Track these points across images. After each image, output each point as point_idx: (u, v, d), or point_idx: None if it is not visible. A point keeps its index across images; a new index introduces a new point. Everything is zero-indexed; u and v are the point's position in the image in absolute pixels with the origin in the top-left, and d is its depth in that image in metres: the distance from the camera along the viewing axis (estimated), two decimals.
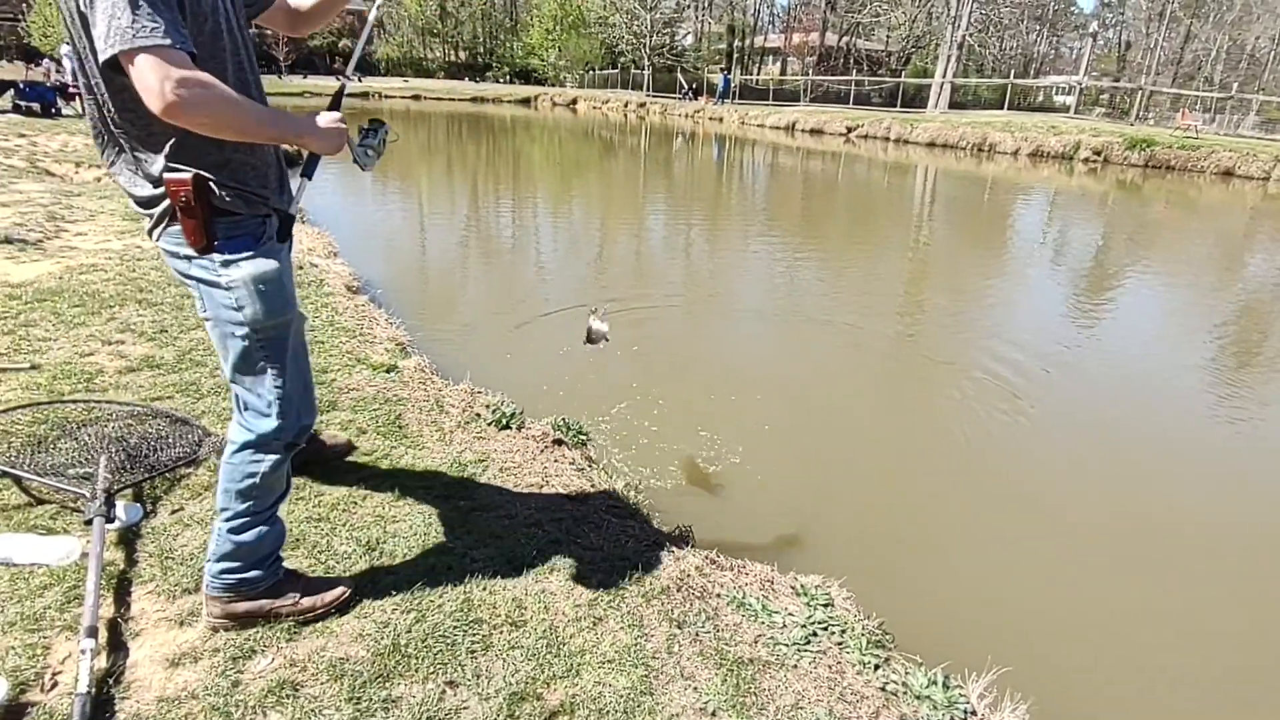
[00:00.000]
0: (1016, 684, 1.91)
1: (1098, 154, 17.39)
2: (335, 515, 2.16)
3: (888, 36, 44.85)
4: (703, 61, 45.04)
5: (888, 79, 35.66)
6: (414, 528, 2.13)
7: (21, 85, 13.07)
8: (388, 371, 3.26)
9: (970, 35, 29.94)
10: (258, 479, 1.65)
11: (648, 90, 38.90)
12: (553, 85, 44.46)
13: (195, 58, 1.33)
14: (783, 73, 45.67)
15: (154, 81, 1.27)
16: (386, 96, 35.55)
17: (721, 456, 3.26)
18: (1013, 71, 33.21)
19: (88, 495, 2.01)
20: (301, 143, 1.54)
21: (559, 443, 2.94)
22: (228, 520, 1.66)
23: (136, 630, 1.70)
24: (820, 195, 13.30)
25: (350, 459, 2.49)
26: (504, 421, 2.92)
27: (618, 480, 2.70)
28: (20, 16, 33.60)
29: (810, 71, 37.56)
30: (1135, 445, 3.68)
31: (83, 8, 1.30)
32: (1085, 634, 2.35)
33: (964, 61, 32.12)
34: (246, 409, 1.65)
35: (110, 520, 1.94)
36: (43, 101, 12.74)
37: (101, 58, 1.28)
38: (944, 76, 27.99)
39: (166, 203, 1.47)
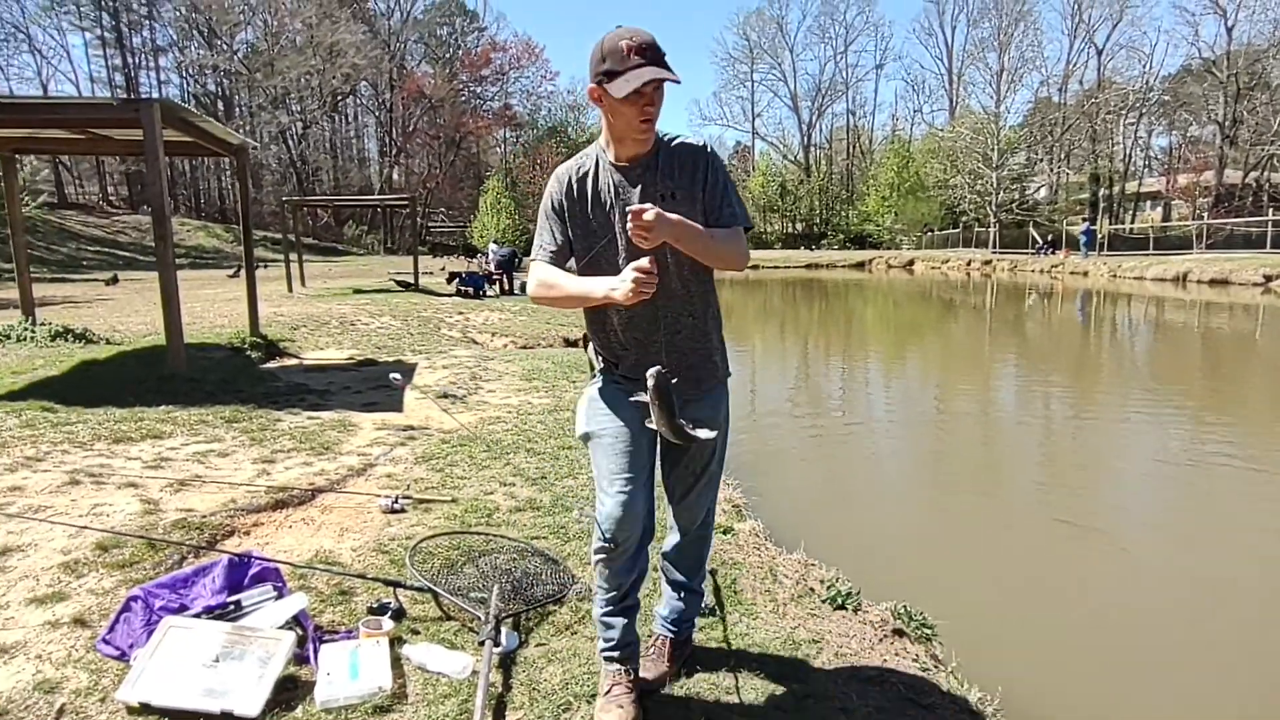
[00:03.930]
0: None
1: None
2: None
3: None
4: (1059, 213, 41.69)
5: None
6: (748, 705, 2.08)
7: (463, 274, 17.23)
8: (724, 533, 3.37)
9: None
10: None
11: (993, 247, 36.96)
12: (888, 249, 44.70)
13: None
14: (1165, 218, 39.95)
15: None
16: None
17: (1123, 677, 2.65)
18: None
19: (482, 618, 2.36)
20: None
21: (899, 633, 2.69)
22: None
23: None
24: (1232, 356, 10.94)
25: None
26: (839, 601, 2.78)
27: (972, 691, 2.35)
28: (468, 223, 45.18)
29: (1205, 215, 32.26)
30: None
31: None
32: None
33: None
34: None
35: (497, 644, 2.25)
36: (475, 286, 16.57)
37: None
38: None
39: None
